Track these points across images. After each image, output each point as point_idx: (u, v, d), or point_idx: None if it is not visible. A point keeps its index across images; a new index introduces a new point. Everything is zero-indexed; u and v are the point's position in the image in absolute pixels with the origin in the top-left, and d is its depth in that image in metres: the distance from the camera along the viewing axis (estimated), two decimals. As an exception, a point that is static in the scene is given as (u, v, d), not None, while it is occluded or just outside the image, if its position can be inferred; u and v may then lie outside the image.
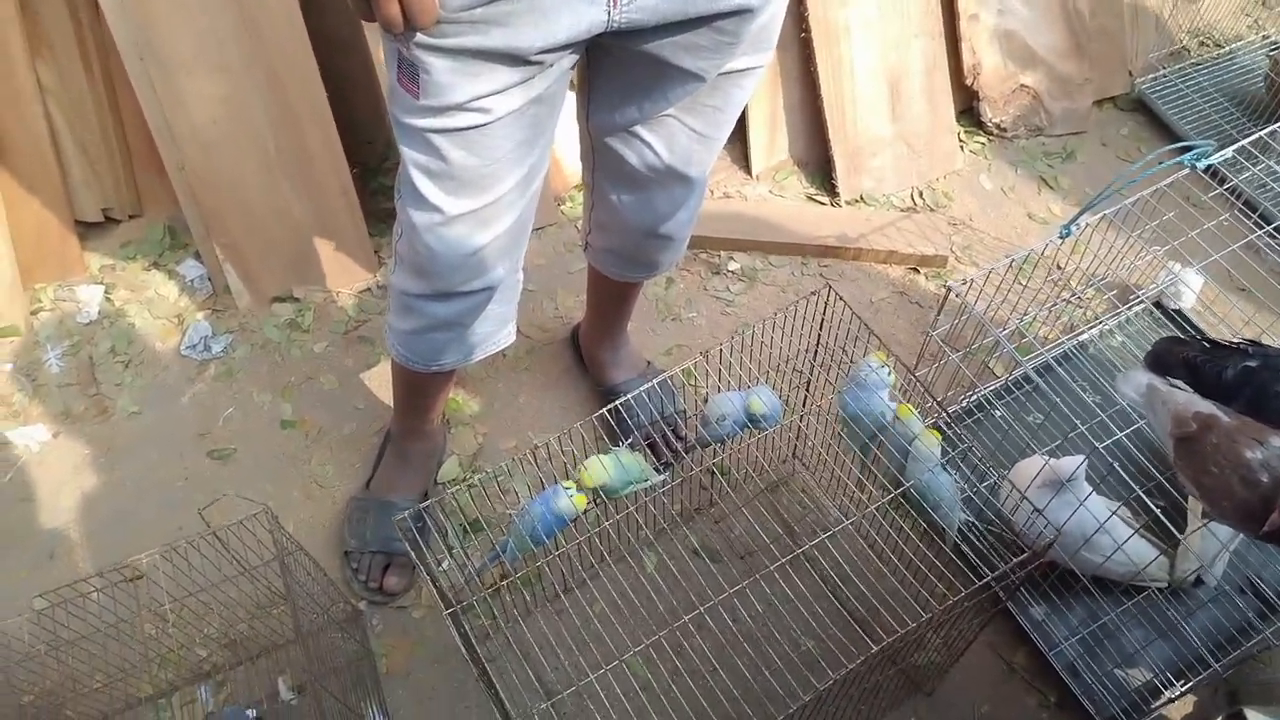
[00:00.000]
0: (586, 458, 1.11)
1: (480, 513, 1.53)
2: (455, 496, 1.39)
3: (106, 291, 1.82)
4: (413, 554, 1.37)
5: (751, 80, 1.12)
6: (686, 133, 1.15)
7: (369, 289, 1.83)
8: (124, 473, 1.60)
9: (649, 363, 1.68)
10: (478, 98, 0.96)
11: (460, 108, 0.97)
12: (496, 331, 1.28)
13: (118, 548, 1.50)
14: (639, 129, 1.15)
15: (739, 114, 1.18)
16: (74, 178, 1.78)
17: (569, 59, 0.99)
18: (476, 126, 0.99)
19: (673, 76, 1.05)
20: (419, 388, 1.42)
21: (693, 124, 1.14)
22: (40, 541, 1.53)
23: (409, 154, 1.04)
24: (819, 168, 2.01)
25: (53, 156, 1.73)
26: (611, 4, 0.92)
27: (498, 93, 0.97)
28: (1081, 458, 1.27)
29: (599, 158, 1.24)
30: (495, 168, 1.04)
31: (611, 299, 1.55)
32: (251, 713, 1.27)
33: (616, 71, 1.09)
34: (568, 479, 1.09)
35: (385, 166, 1.98)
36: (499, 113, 0.99)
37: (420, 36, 0.91)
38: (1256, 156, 1.42)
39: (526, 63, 0.95)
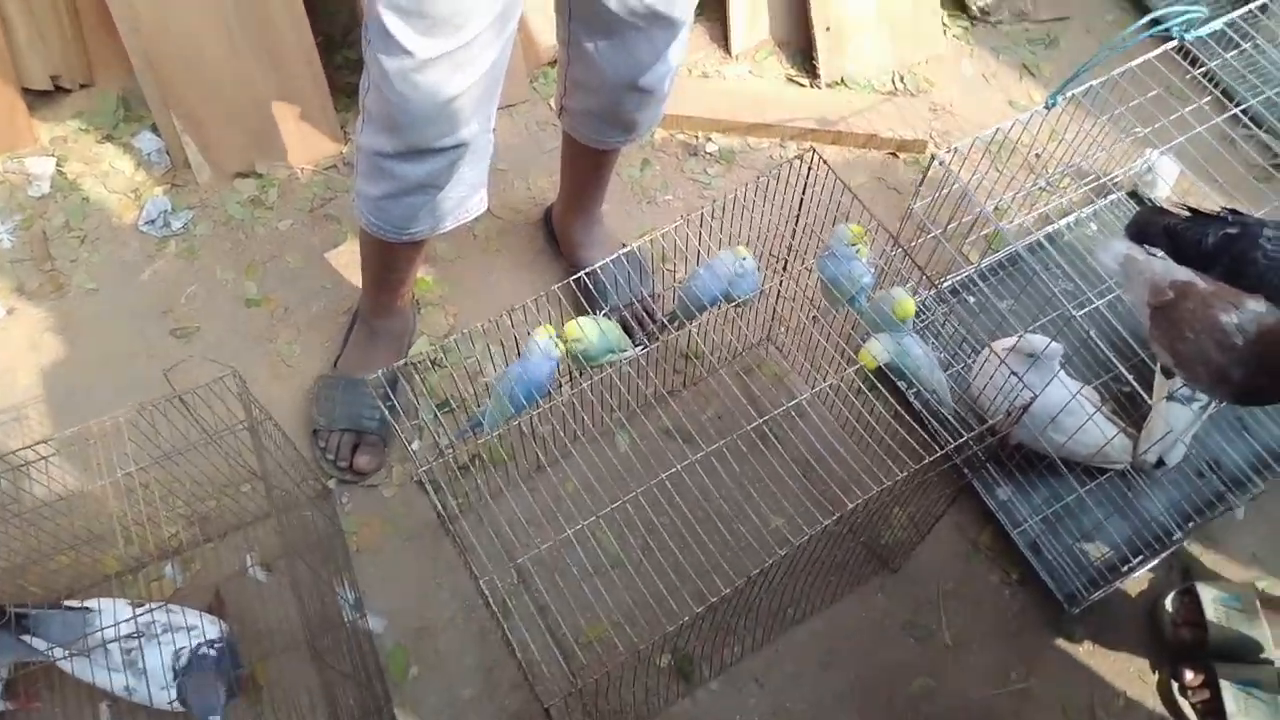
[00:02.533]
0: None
1: (450, 393, 1.51)
2: (424, 376, 1.37)
3: (59, 164, 1.74)
4: (384, 427, 1.36)
5: None
6: None
7: (334, 165, 1.77)
8: (83, 350, 1.56)
9: (624, 244, 1.65)
10: None
11: None
12: (469, 197, 1.24)
13: (79, 422, 1.47)
14: None
15: None
16: (18, 41, 1.69)
17: None
18: None
19: None
20: (389, 260, 1.38)
21: None
22: (-2, 417, 1.50)
23: None
24: (800, 48, 1.95)
25: (-6, 17, 1.64)
26: None
27: None
28: (1053, 340, 1.28)
29: (575, 6, 1.19)
30: (468, 3, 0.99)
31: (587, 171, 1.51)
32: (214, 648, 1.19)
33: None
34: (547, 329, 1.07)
35: (350, 39, 1.89)
36: None
37: None
38: (1246, 31, 1.40)
39: None
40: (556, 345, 1.05)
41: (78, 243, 1.67)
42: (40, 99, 1.78)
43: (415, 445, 1.48)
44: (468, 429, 1.22)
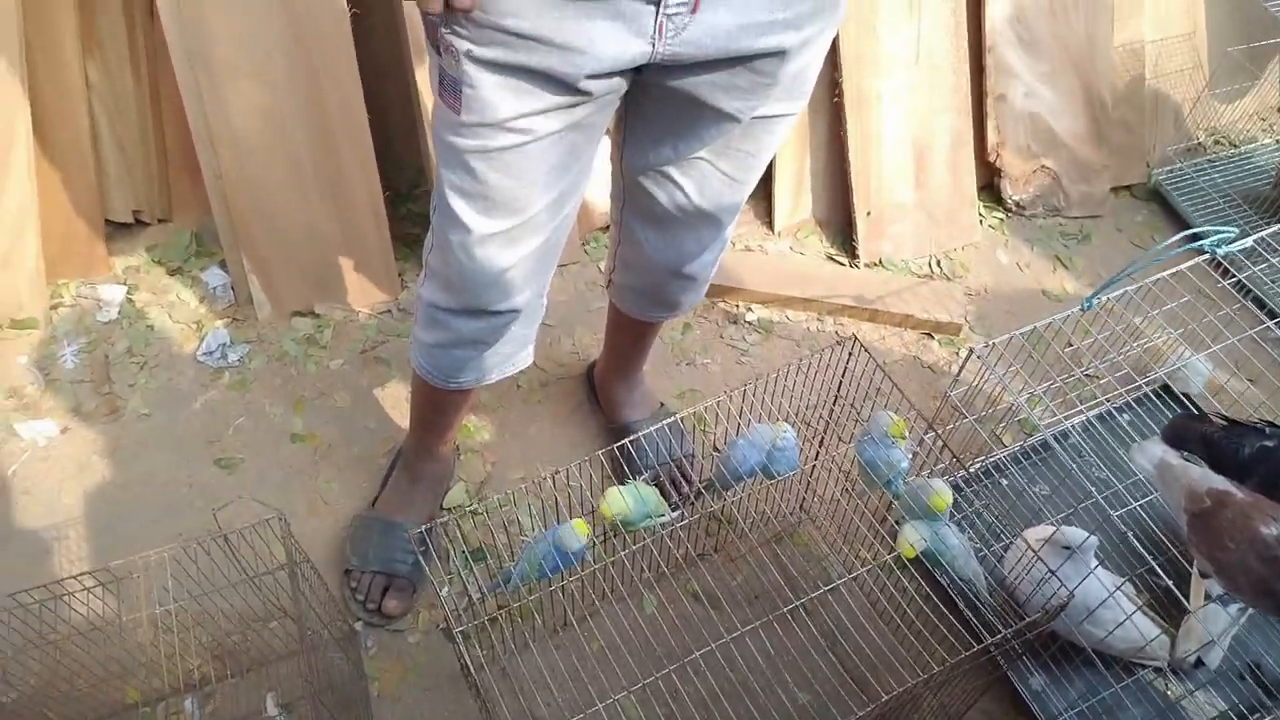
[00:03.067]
0: (604, 490, 1.12)
1: (484, 541, 1.53)
2: (459, 523, 1.39)
3: (129, 292, 1.83)
4: (415, 572, 1.36)
5: (784, 126, 1.15)
6: (718, 175, 1.18)
7: (389, 311, 1.84)
8: (129, 474, 1.60)
9: (662, 404, 1.69)
10: (520, 116, 0.97)
11: (501, 126, 0.98)
12: (516, 352, 1.29)
13: (117, 548, 1.49)
14: (671, 170, 1.17)
15: (769, 160, 1.20)
16: (109, 176, 1.80)
17: (611, 89, 1.01)
18: (514, 146, 1.00)
19: (708, 117, 1.08)
20: (437, 404, 1.42)
21: (724, 167, 1.17)
22: (39, 536, 1.52)
23: (446, 174, 1.05)
24: (840, 229, 2.04)
25: (91, 154, 1.75)
26: (657, 36, 0.93)
27: (539, 113, 0.98)
28: (1088, 534, 1.28)
29: (630, 196, 1.27)
30: (528, 190, 1.05)
31: (630, 338, 1.57)
32: None
33: (654, 110, 1.11)
34: (576, 517, 1.10)
35: (415, 193, 2.00)
36: (538, 133, 1.00)
37: (467, 46, 0.92)
38: (1275, 247, 1.46)
39: (569, 88, 0.97)
40: (584, 541, 1.08)
41: (137, 368, 1.73)
42: (119, 229, 1.88)
43: (444, 592, 1.48)
44: (498, 583, 1.23)
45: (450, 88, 0.97)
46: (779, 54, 1.00)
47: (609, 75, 0.97)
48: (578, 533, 1.08)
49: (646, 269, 1.35)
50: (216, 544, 1.14)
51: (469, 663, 1.06)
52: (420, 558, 1.24)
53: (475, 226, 1.08)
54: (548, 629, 1.44)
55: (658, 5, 0.91)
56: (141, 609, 1.14)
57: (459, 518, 1.50)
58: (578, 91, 0.97)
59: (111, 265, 1.86)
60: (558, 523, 1.14)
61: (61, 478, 1.58)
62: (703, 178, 1.18)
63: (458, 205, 1.07)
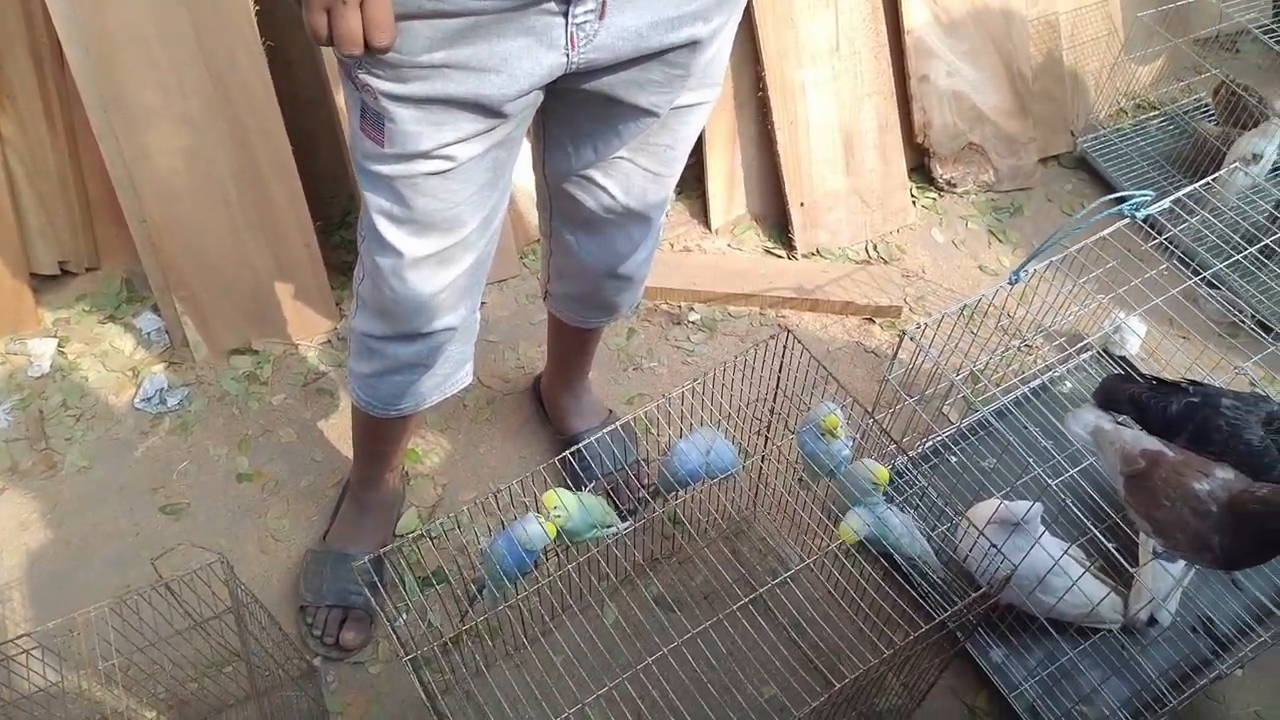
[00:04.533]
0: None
1: (441, 563, 1.51)
2: (416, 545, 1.38)
3: (60, 344, 1.79)
4: (372, 603, 1.35)
5: (699, 116, 1.15)
6: (640, 173, 1.18)
7: (329, 340, 1.82)
8: (71, 529, 1.57)
9: (610, 411, 1.68)
10: (444, 145, 0.98)
11: (426, 155, 0.98)
12: (454, 373, 1.28)
13: (62, 607, 1.45)
14: (593, 173, 1.17)
15: (688, 150, 1.21)
16: (31, 229, 1.77)
17: (530, 104, 1.02)
18: (440, 173, 1.01)
19: (626, 114, 1.08)
20: (379, 434, 1.41)
21: (645, 164, 1.17)
22: (-18, 600, 1.48)
23: (372, 199, 1.05)
24: (776, 222, 2.05)
25: (10, 208, 1.72)
26: (570, 47, 0.94)
27: (463, 140, 0.98)
28: (1034, 502, 1.30)
29: (556, 203, 1.27)
30: (458, 211, 1.05)
31: (572, 346, 1.56)
32: None
33: (572, 115, 1.11)
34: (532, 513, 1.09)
35: (348, 220, 1.99)
36: (462, 159, 1.00)
37: (386, 85, 0.92)
38: (1193, 208, 1.49)
39: (492, 111, 0.97)
40: (547, 532, 1.07)
41: (73, 421, 1.70)
42: (46, 281, 1.85)
43: (400, 620, 1.47)
44: (475, 593, 1.22)
45: (372, 121, 0.97)
46: (691, 45, 1.01)
47: (528, 92, 0.97)
48: (539, 524, 1.07)
49: (581, 274, 1.35)
50: (158, 593, 1.12)
51: (430, 689, 1.05)
52: (371, 586, 1.22)
53: (407, 250, 1.07)
54: (510, 646, 1.43)
55: (566, 16, 0.91)
56: (85, 665, 1.11)
57: (412, 542, 1.49)
58: (499, 114, 0.97)
59: (41, 318, 1.82)
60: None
61: (2, 539, 1.55)
62: (626, 177, 1.18)
63: (387, 230, 1.06)
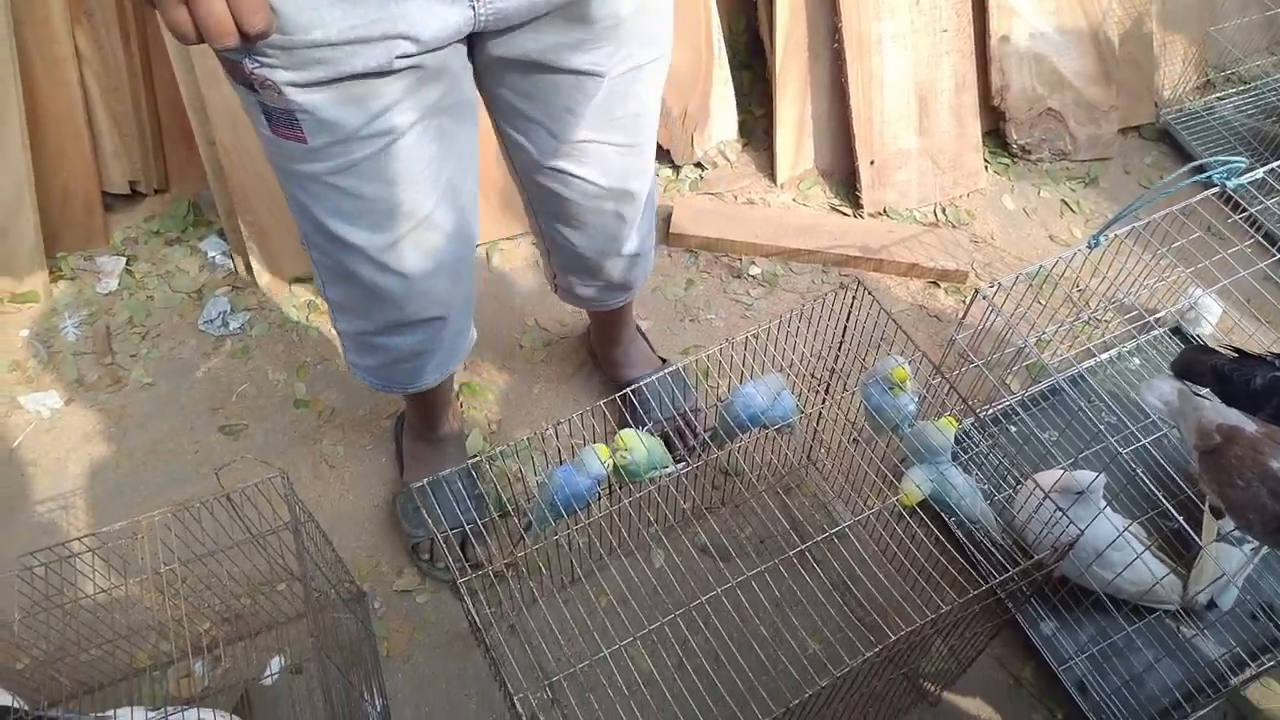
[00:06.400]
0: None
1: (493, 498, 1.52)
2: (490, 463, 1.38)
3: (128, 263, 1.82)
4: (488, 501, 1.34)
5: (651, 74, 1.07)
6: (613, 150, 1.11)
7: (389, 274, 1.83)
8: (134, 442, 1.60)
9: (664, 360, 1.67)
10: (374, 118, 0.91)
11: (359, 137, 0.92)
12: (459, 339, 1.25)
13: (123, 515, 1.49)
14: (563, 163, 1.11)
15: (656, 112, 1.14)
16: (104, 148, 1.79)
17: (455, 61, 0.95)
18: (380, 151, 0.94)
19: (567, 82, 1.01)
20: (418, 400, 1.40)
21: (616, 139, 1.10)
22: (47, 506, 1.52)
23: (314, 205, 0.98)
24: (843, 179, 2.01)
25: (85, 126, 1.74)
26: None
27: (394, 106, 0.91)
28: (1099, 474, 1.27)
29: (537, 202, 1.22)
30: (411, 191, 0.99)
31: (605, 320, 1.55)
32: None
33: (513, 97, 1.04)
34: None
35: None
36: (399, 130, 0.93)
37: (287, 75, 0.85)
38: (1284, 181, 1.43)
39: (413, 74, 0.90)
40: (605, 462, 1.06)
41: (139, 339, 1.73)
42: (116, 200, 1.87)
43: (526, 525, 1.47)
44: (527, 526, 1.22)
45: (283, 120, 0.89)
46: None
47: (439, 48, 0.90)
48: (599, 454, 1.07)
49: (584, 264, 1.30)
50: (220, 504, 1.14)
51: (477, 619, 1.06)
52: (477, 500, 1.22)
53: (368, 244, 1.01)
54: (555, 584, 1.44)
55: None
56: (148, 573, 1.13)
57: (498, 455, 1.47)
58: (413, 69, 0.90)
59: (110, 237, 1.85)
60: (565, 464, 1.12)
61: (67, 448, 1.59)
62: (602, 160, 1.12)
63: (342, 229, 1.00)
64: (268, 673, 1.36)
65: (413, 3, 0.84)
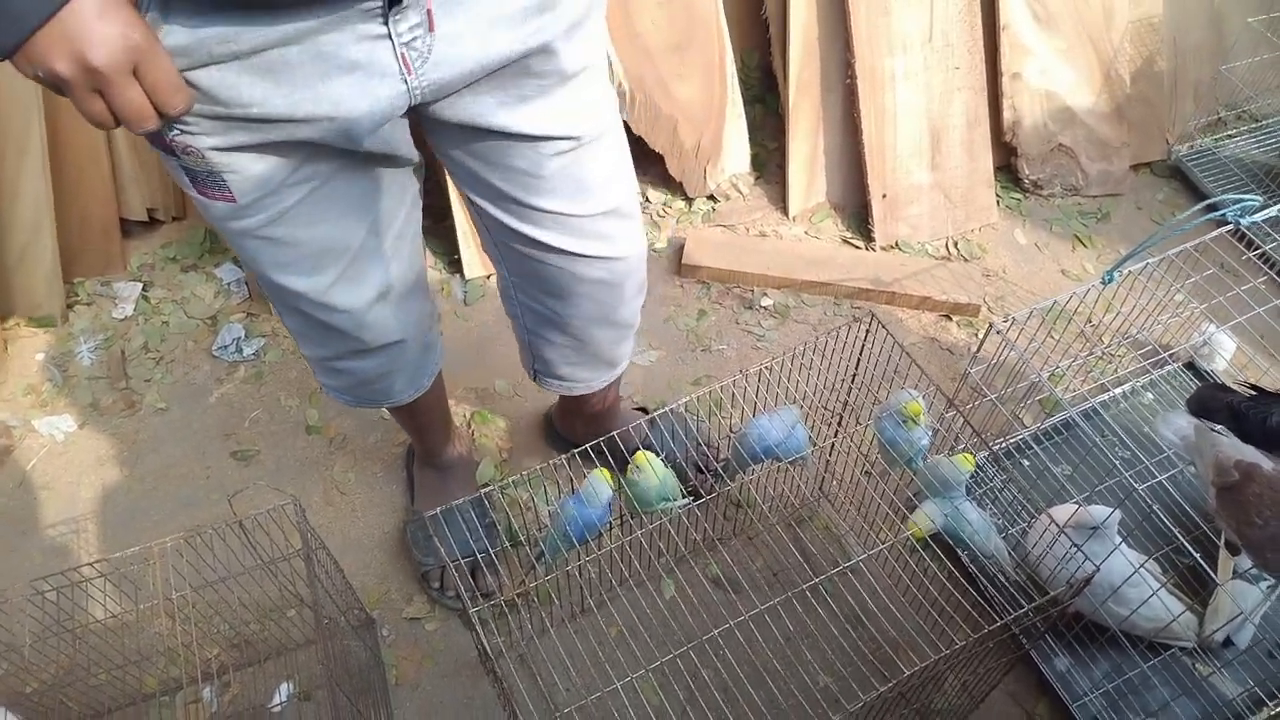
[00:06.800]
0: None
1: (511, 521, 1.52)
2: (503, 491, 1.37)
3: (144, 289, 1.83)
4: (491, 546, 1.33)
5: (609, 146, 1.03)
6: (585, 220, 1.06)
7: (403, 302, 1.84)
8: (146, 467, 1.60)
9: (645, 410, 1.62)
10: (302, 163, 0.89)
11: (285, 184, 0.89)
12: (426, 358, 1.23)
13: (134, 540, 1.50)
14: (535, 233, 1.06)
15: (627, 178, 1.10)
16: (124, 175, 1.81)
17: (389, 135, 0.91)
18: (308, 195, 0.92)
19: (514, 147, 0.97)
20: (407, 421, 1.40)
21: (585, 210, 1.05)
22: (58, 530, 1.53)
23: (253, 256, 0.97)
24: (855, 212, 2.02)
25: (105, 152, 1.76)
26: (406, 72, 0.83)
27: (320, 153, 0.88)
28: (1113, 509, 1.26)
29: (516, 275, 1.17)
30: (342, 225, 0.97)
31: (584, 405, 1.46)
32: None
33: (471, 162, 1.00)
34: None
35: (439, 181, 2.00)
36: (326, 175, 0.91)
37: (211, 140, 0.82)
38: (1300, 217, 1.43)
39: (346, 151, 0.89)
40: (612, 487, 1.06)
41: (153, 364, 1.74)
42: (134, 227, 1.89)
43: (537, 555, 1.47)
44: (538, 556, 1.21)
45: (210, 182, 0.86)
46: (546, 49, 0.89)
47: (379, 127, 0.87)
48: (604, 479, 1.06)
49: (569, 341, 1.24)
50: (231, 530, 1.14)
51: (486, 648, 1.06)
52: (488, 528, 1.20)
53: (309, 288, 1.00)
54: (565, 613, 1.43)
55: (390, 39, 0.80)
56: (159, 598, 1.13)
57: (506, 487, 1.46)
58: (355, 150, 0.88)
59: (127, 263, 1.87)
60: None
61: (80, 472, 1.59)
62: (574, 229, 1.06)
63: (283, 278, 0.99)
64: (276, 699, 1.36)
65: (341, 82, 0.80)
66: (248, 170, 0.86)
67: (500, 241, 1.11)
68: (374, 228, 1.00)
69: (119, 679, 1.30)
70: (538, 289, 1.17)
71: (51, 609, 1.16)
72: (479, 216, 1.09)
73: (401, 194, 1.02)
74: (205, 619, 1.36)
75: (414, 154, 0.99)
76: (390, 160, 0.96)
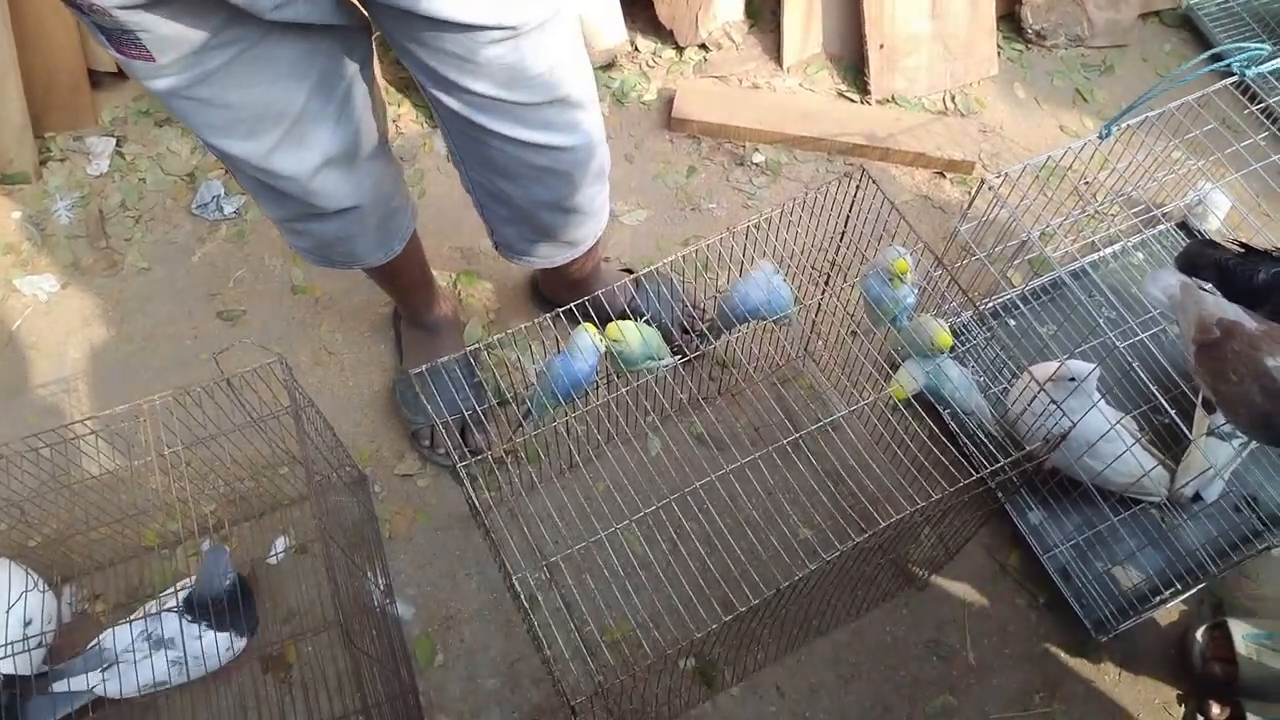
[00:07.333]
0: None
1: (498, 381, 1.53)
2: (490, 351, 1.37)
3: (118, 144, 1.78)
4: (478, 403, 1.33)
5: (555, 32, 0.97)
6: (530, 109, 1.01)
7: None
8: (132, 327, 1.60)
9: (630, 270, 1.61)
10: (220, 31, 0.85)
11: (207, 48, 0.86)
12: (391, 222, 1.21)
13: (125, 398, 1.51)
14: (481, 119, 1.02)
15: (579, 66, 1.04)
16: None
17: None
18: (237, 56, 0.88)
19: (462, 39, 0.92)
20: (385, 281, 1.38)
21: (530, 98, 1.01)
22: (48, 389, 1.53)
23: (187, 119, 0.94)
24: (852, 64, 1.95)
25: (65, -2, 1.68)
26: None
27: (240, 21, 0.85)
28: (1094, 366, 1.27)
29: (464, 153, 1.13)
30: (279, 89, 0.93)
31: (561, 273, 1.42)
32: (230, 576, 1.23)
33: (419, 50, 0.96)
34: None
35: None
36: (253, 37, 0.87)
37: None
38: (1307, 70, 1.38)
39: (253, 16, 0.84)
40: (598, 344, 1.06)
41: (132, 222, 1.71)
42: (104, 79, 1.82)
43: (525, 412, 1.49)
44: (525, 414, 1.23)
45: (125, 40, 0.83)
46: None
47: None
48: (590, 335, 1.06)
49: (522, 217, 1.21)
50: (220, 388, 1.14)
51: (476, 503, 1.08)
52: (476, 387, 1.20)
53: (248, 153, 0.98)
54: (554, 471, 1.46)
55: None
56: (151, 454, 1.15)
57: (496, 344, 1.47)
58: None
59: (99, 117, 1.81)
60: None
61: (66, 331, 1.59)
62: (518, 117, 1.02)
63: (219, 141, 0.96)
64: (273, 552, 1.40)
65: None
66: (159, 30, 0.83)
67: (444, 118, 1.07)
68: (315, 91, 0.97)
69: (118, 533, 1.34)
70: (487, 169, 1.13)
71: (48, 465, 1.18)
72: (430, 102, 1.05)
73: (344, 57, 0.98)
74: (200, 476, 1.39)
75: (350, 20, 0.94)
76: (321, 27, 0.91)
